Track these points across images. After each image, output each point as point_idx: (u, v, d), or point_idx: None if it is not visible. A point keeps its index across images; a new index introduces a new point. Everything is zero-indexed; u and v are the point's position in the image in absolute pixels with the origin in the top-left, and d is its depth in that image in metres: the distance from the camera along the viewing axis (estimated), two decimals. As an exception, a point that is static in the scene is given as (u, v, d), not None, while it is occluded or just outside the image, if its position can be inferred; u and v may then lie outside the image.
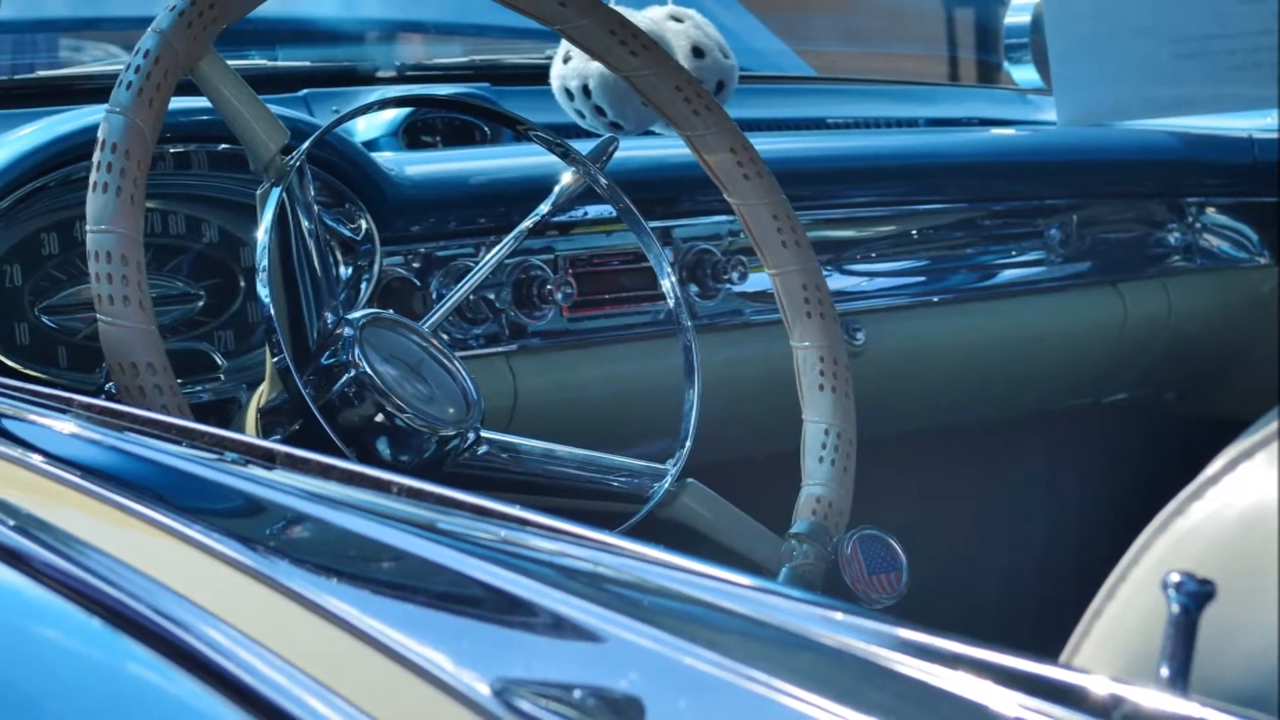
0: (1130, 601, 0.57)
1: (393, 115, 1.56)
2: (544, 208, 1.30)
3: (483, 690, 0.54)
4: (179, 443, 0.84)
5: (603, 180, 1.29)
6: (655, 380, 1.45)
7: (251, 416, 1.16)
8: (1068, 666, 0.53)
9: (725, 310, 1.53)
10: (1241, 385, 1.88)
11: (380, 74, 1.75)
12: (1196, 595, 0.50)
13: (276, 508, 0.77)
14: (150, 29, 1.09)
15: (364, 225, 1.34)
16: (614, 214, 1.34)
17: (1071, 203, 1.78)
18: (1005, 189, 1.75)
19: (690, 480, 1.26)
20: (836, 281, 1.60)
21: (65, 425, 0.90)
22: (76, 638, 0.68)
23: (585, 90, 1.50)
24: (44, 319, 1.25)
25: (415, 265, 1.38)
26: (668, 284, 1.32)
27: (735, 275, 1.51)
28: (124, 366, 1.02)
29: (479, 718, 0.53)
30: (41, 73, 1.64)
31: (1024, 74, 1.99)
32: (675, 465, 1.25)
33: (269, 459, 0.81)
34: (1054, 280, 1.76)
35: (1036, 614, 1.10)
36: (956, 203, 1.71)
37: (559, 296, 1.42)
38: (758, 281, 1.51)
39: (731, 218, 1.37)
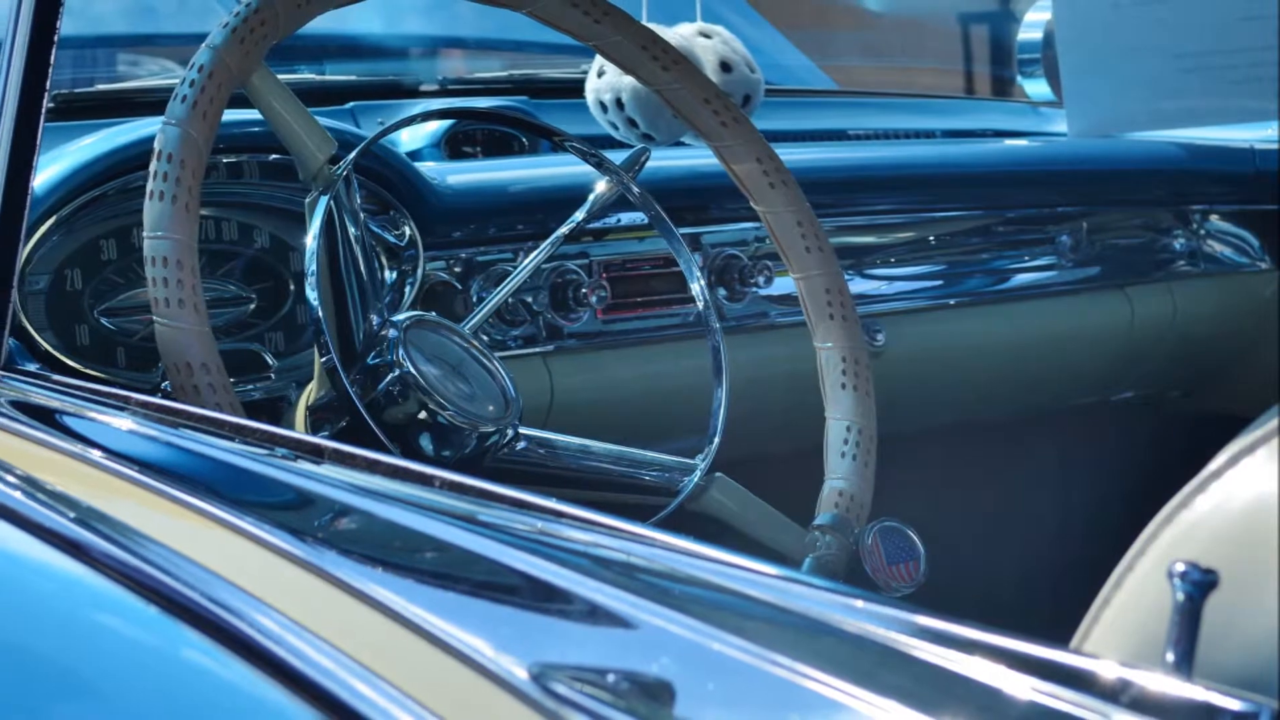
0: (1137, 590, 0.59)
1: (435, 127, 1.57)
2: (579, 215, 1.32)
3: (521, 674, 0.56)
4: (231, 439, 0.87)
5: (635, 189, 1.31)
6: (685, 379, 1.47)
7: (301, 414, 1.18)
8: (1078, 652, 0.55)
9: (752, 313, 1.54)
10: (1243, 384, 1.88)
11: (423, 88, 1.76)
12: (1200, 584, 0.51)
13: (325, 501, 0.79)
14: (204, 45, 1.10)
15: (408, 231, 1.36)
16: (646, 221, 1.35)
17: (1081, 210, 1.78)
18: (1018, 197, 1.76)
19: (719, 474, 1.27)
20: (858, 285, 1.61)
21: (123, 422, 0.92)
22: (134, 625, 0.71)
23: (619, 103, 1.51)
24: (103, 321, 1.26)
25: (456, 270, 1.39)
26: (697, 288, 1.33)
27: (761, 279, 1.53)
28: (179, 366, 1.03)
29: (517, 701, 0.55)
30: (100, 86, 1.63)
31: (1036, 88, 2.00)
32: (704, 460, 1.27)
33: (318, 454, 0.83)
34: (1064, 284, 1.77)
35: (1048, 602, 1.11)
36: (971, 210, 1.72)
37: (593, 299, 1.43)
38: (783, 285, 1.53)
39: (758, 224, 1.39)
